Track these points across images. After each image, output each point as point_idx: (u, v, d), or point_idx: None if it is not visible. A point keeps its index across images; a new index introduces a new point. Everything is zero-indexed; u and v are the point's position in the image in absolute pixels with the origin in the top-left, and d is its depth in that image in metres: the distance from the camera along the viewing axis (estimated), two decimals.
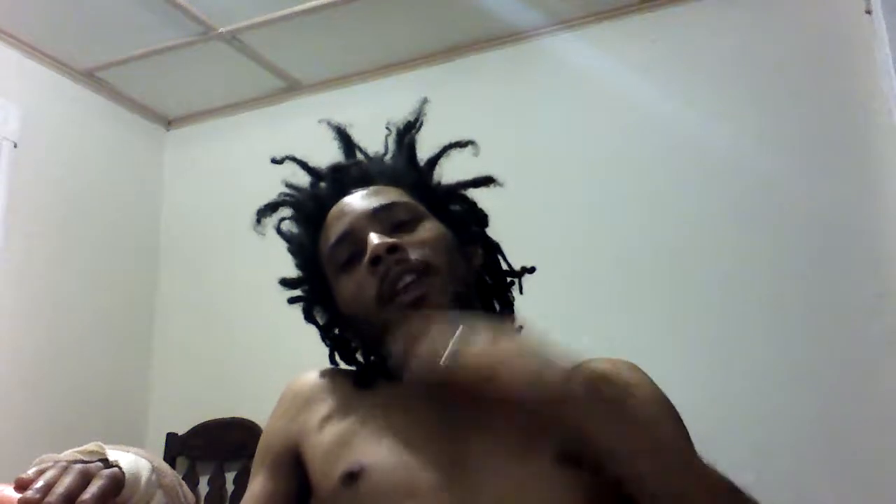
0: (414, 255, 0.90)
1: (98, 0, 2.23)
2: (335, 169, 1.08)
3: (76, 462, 0.71)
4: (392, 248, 0.89)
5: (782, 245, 1.98)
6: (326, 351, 1.06)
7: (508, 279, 1.04)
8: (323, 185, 1.08)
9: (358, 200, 0.99)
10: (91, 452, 0.74)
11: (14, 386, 2.23)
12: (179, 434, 2.47)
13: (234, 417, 2.25)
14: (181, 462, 2.45)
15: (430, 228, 0.95)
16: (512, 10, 2.28)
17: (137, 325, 2.64)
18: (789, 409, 1.85)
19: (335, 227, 0.98)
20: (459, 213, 1.04)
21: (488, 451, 0.84)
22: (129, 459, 0.75)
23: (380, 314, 0.89)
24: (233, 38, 2.40)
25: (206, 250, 2.69)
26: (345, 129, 1.12)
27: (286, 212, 1.11)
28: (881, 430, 1.77)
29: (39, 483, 0.66)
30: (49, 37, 2.40)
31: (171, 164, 2.83)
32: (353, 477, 0.85)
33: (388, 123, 1.10)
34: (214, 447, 2.37)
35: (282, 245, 2.85)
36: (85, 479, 0.68)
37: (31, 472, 0.68)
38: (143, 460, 0.77)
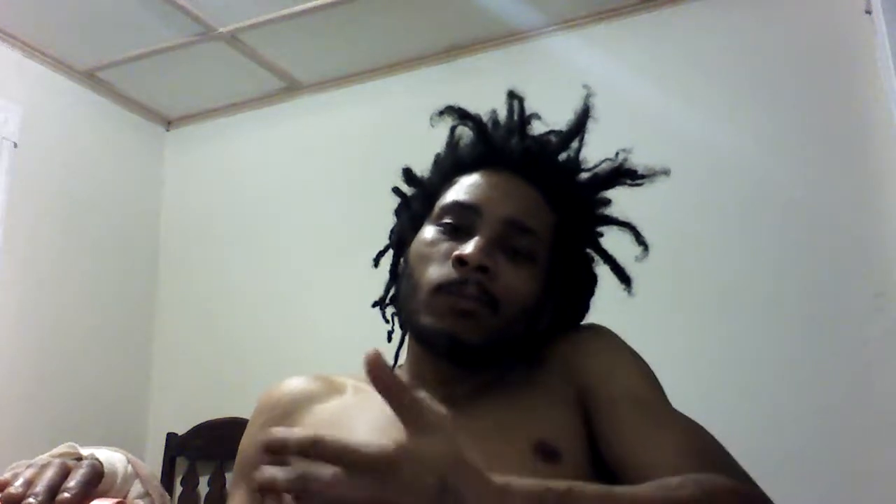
0: (494, 286, 0.88)
1: (98, 0, 2.23)
2: (523, 133, 1.00)
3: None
4: (483, 269, 0.87)
5: (782, 245, 1.98)
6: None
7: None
8: (506, 135, 1.00)
9: (509, 193, 0.94)
10: (64, 454, 0.74)
11: (14, 387, 2.24)
12: (179, 434, 2.47)
13: (234, 417, 2.25)
14: (181, 462, 2.45)
15: (529, 278, 0.91)
16: (512, 10, 2.28)
17: (137, 326, 2.64)
18: (788, 409, 1.85)
19: (471, 190, 0.94)
20: (572, 280, 1.00)
21: (471, 450, 0.84)
22: (104, 453, 0.75)
23: (427, 293, 0.89)
24: (233, 38, 2.40)
25: (206, 250, 2.69)
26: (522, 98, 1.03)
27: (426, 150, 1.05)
28: (880, 429, 1.77)
29: (20, 480, 0.66)
30: (49, 37, 2.40)
31: (171, 164, 2.83)
32: None
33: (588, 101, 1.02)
34: (214, 447, 2.37)
35: (280, 245, 2.84)
36: (65, 472, 0.68)
37: (7, 475, 0.68)
38: (118, 454, 0.77)
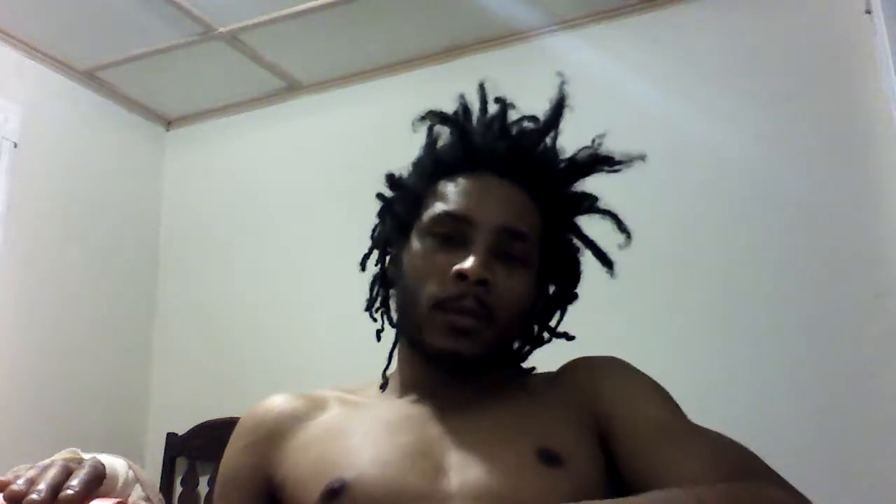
0: (491, 298, 0.89)
1: (98, 0, 2.23)
2: (503, 132, 1.00)
3: None
4: (482, 282, 0.88)
5: (781, 245, 1.98)
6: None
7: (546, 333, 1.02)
8: (486, 136, 1.00)
9: (498, 199, 0.94)
10: (66, 460, 0.74)
11: (14, 386, 2.23)
12: (179, 434, 2.47)
13: (234, 417, 2.24)
14: (181, 462, 2.45)
15: (523, 281, 0.92)
16: (512, 10, 2.28)
17: (137, 326, 2.64)
18: (789, 409, 1.85)
19: (461, 199, 0.93)
20: (561, 267, 1.00)
21: (470, 454, 0.84)
22: (105, 458, 0.76)
23: (428, 309, 0.89)
24: (233, 38, 2.40)
25: (206, 250, 2.69)
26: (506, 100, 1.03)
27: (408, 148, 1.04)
28: (881, 430, 1.78)
29: (22, 479, 0.67)
30: (49, 37, 2.40)
31: (171, 164, 2.83)
32: (334, 493, 0.83)
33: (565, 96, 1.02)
34: (214, 447, 2.34)
35: (281, 245, 2.84)
36: (67, 472, 0.68)
37: (8, 476, 0.69)
38: (119, 459, 0.78)
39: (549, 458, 0.83)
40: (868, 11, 1.93)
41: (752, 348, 1.93)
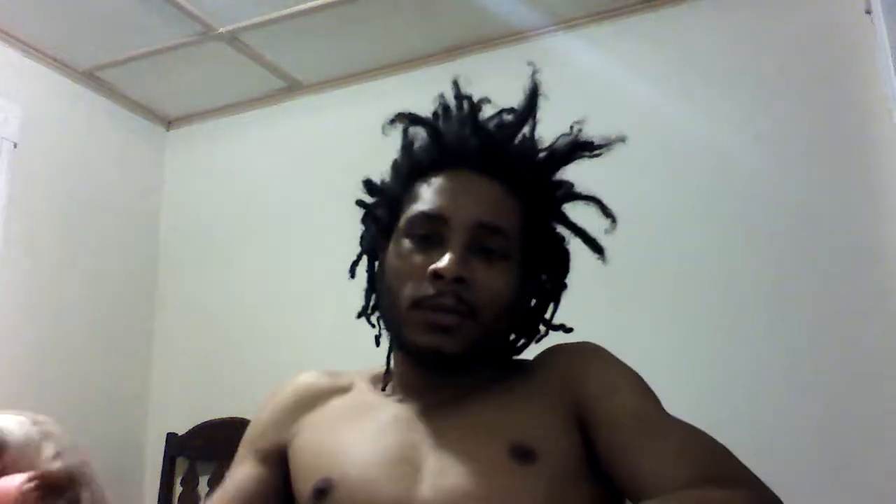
0: (470, 294, 0.88)
1: (98, 0, 2.23)
2: (476, 127, 0.99)
3: None
4: (459, 280, 0.88)
5: (782, 245, 1.98)
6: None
7: (542, 326, 1.02)
8: (459, 133, 0.99)
9: (473, 195, 0.93)
10: None
11: (14, 386, 2.23)
12: (179, 434, 2.47)
13: (234, 417, 2.25)
14: (181, 462, 2.46)
15: (504, 274, 0.91)
16: (512, 10, 2.28)
17: (137, 326, 2.64)
18: (789, 410, 1.85)
19: (435, 198, 0.93)
20: (547, 259, 1.00)
21: (446, 457, 0.86)
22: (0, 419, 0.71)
23: (406, 309, 0.90)
24: (233, 38, 2.40)
25: (206, 250, 2.69)
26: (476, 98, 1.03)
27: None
28: (881, 430, 1.78)
29: None
30: (49, 37, 2.40)
31: (171, 164, 2.83)
32: (321, 493, 0.86)
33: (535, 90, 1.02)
34: (214, 447, 2.37)
35: (280, 245, 2.83)
36: None
37: None
38: (15, 416, 0.74)
39: (522, 454, 0.84)
40: (868, 11, 1.93)
41: (753, 348, 1.93)
